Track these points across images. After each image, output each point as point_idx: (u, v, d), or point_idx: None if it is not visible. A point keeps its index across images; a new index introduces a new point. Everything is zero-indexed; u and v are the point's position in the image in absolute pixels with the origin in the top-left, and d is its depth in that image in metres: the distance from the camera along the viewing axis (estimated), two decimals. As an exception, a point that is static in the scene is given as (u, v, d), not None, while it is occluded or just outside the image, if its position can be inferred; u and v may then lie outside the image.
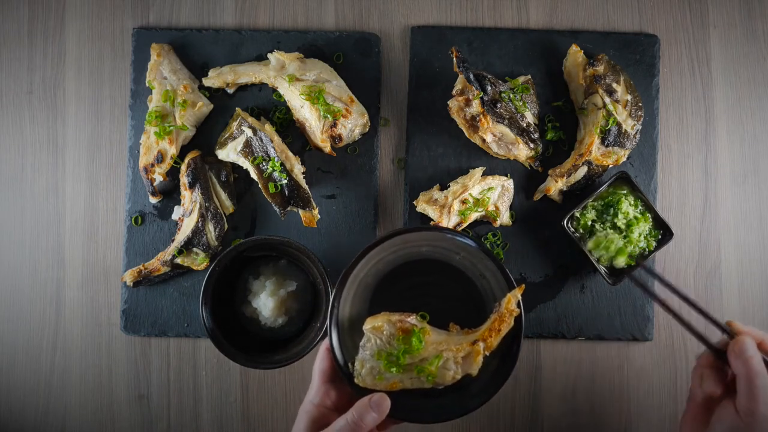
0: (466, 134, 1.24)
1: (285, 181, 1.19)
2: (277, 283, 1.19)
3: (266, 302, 1.17)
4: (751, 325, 1.26)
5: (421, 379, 0.99)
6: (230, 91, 1.27)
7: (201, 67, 1.28)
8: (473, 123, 1.22)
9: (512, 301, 1.02)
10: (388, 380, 0.99)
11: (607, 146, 1.22)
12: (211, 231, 1.22)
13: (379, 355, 0.99)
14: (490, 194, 1.21)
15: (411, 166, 1.27)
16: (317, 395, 0.97)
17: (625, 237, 1.18)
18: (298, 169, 1.21)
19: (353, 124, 1.22)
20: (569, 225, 1.21)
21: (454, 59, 1.19)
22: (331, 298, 1.02)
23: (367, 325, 1.00)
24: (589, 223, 1.20)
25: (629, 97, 1.22)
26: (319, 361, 1.00)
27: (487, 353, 1.01)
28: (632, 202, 1.20)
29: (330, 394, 0.98)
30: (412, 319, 1.01)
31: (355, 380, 0.99)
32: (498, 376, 1.03)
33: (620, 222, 1.18)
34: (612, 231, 1.19)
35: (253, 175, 1.21)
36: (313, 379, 0.99)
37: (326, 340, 1.01)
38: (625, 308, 1.25)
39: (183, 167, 1.22)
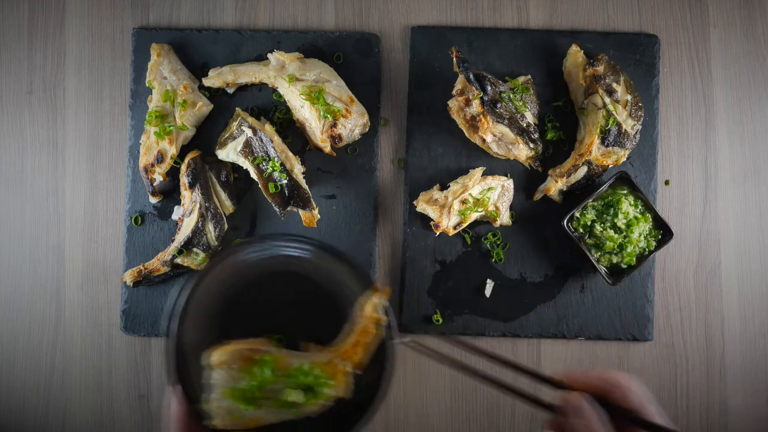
0: (466, 134, 1.24)
1: (285, 181, 1.19)
2: None
3: None
4: (752, 326, 1.27)
5: (285, 411, 0.87)
6: (230, 91, 1.27)
7: (201, 67, 1.28)
8: (473, 123, 1.22)
9: (373, 309, 0.88)
10: (247, 418, 0.86)
11: (607, 146, 1.22)
12: (211, 231, 1.22)
13: (231, 392, 0.85)
14: (490, 194, 1.21)
15: (411, 166, 1.27)
16: None
17: (625, 237, 1.18)
18: (298, 169, 1.21)
19: (353, 124, 1.22)
20: (569, 225, 1.21)
21: (454, 59, 1.19)
22: (167, 342, 0.89)
23: (211, 361, 0.86)
24: (589, 223, 1.20)
25: (629, 97, 1.22)
26: (171, 409, 0.88)
27: (359, 371, 0.88)
28: (632, 202, 1.20)
29: None
30: (262, 345, 0.88)
31: (213, 423, 0.86)
32: (374, 393, 0.88)
33: (620, 222, 1.18)
34: (612, 231, 1.19)
35: (253, 175, 1.21)
36: (170, 430, 0.88)
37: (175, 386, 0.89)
38: (625, 308, 1.25)
39: (183, 167, 1.22)
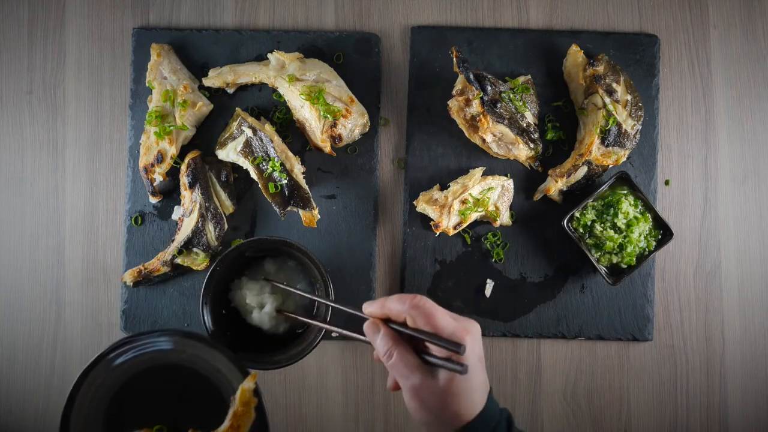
0: (466, 134, 1.24)
1: (285, 181, 1.19)
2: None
3: (262, 314, 1.17)
4: (752, 326, 1.27)
5: None
6: (230, 91, 1.27)
7: (201, 67, 1.28)
8: (473, 123, 1.22)
9: (245, 392, 0.95)
10: None
11: (607, 146, 1.22)
12: (211, 231, 1.22)
13: None
14: (490, 194, 1.21)
15: (411, 166, 1.27)
16: None
17: (625, 237, 1.18)
18: (298, 169, 1.21)
19: (353, 124, 1.22)
20: (569, 225, 1.21)
21: (454, 59, 1.19)
22: None
23: None
24: (589, 223, 1.20)
25: (629, 97, 1.22)
26: None
27: None
28: (632, 202, 1.20)
29: None
30: None
31: None
32: None
33: (620, 222, 1.18)
34: (612, 231, 1.19)
35: (253, 175, 1.21)
36: None
37: None
38: (625, 308, 1.25)
39: (183, 167, 1.22)
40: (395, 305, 0.87)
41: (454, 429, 0.85)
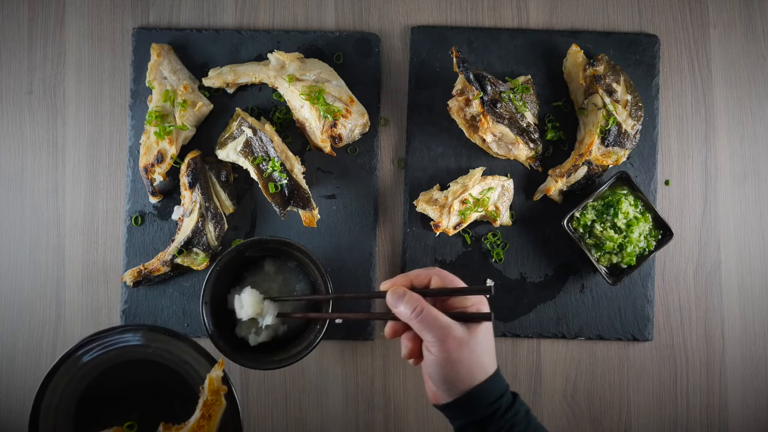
0: (466, 134, 1.24)
1: (285, 181, 1.19)
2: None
3: (261, 337, 1.17)
4: (752, 326, 1.27)
5: None
6: (230, 91, 1.27)
7: (201, 67, 1.28)
8: (473, 123, 1.22)
9: (213, 381, 0.96)
10: None
11: (607, 146, 1.22)
12: (211, 231, 1.22)
13: None
14: (490, 194, 1.21)
15: (411, 166, 1.27)
16: None
17: (625, 237, 1.18)
18: (298, 169, 1.21)
19: (353, 124, 1.22)
20: (569, 225, 1.21)
21: (454, 59, 1.20)
22: None
23: None
24: (589, 223, 1.20)
25: (629, 97, 1.22)
26: None
27: None
28: (632, 202, 1.20)
29: None
30: None
31: None
32: None
33: (620, 222, 1.18)
34: (612, 231, 1.19)
35: (253, 175, 1.21)
36: None
37: None
38: (625, 308, 1.25)
39: (183, 167, 1.22)
40: (419, 272, 0.97)
41: (470, 387, 0.90)
